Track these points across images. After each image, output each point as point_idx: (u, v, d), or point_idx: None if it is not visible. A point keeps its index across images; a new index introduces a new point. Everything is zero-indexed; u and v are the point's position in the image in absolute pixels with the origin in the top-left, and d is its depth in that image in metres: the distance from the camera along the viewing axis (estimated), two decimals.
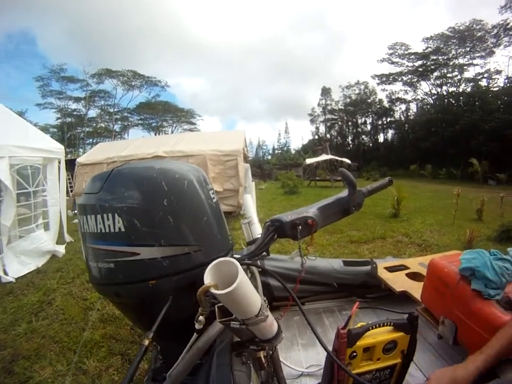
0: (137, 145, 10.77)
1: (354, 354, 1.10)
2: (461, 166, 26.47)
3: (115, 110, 54.17)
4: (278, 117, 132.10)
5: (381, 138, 56.35)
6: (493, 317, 1.25)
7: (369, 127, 57.24)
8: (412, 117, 50.25)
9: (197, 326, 0.73)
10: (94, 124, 53.37)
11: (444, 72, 43.55)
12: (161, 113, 56.31)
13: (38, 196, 5.77)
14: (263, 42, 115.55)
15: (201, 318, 0.71)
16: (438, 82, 44.90)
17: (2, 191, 4.51)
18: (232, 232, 6.21)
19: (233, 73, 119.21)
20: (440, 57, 42.94)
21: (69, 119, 50.64)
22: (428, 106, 47.11)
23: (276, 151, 69.83)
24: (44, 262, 5.40)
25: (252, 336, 0.73)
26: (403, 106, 52.07)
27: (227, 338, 0.84)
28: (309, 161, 28.37)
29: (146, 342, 0.76)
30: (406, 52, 45.77)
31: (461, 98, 39.14)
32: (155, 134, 52.48)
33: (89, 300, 3.90)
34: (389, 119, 53.88)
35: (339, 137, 60.64)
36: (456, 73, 42.80)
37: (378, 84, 51.77)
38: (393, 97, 51.60)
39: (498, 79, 39.03)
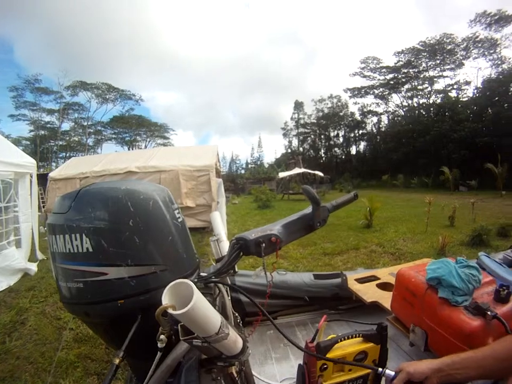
0: (110, 160, 10.60)
1: (325, 366, 1.11)
2: (432, 175, 27.14)
3: (89, 123, 53.36)
4: (251, 131, 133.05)
5: (353, 150, 57.50)
6: (461, 323, 1.28)
7: (341, 139, 58.20)
8: (383, 129, 51.33)
9: (159, 345, 0.73)
10: (67, 137, 52.36)
11: (414, 84, 44.96)
12: (135, 127, 55.73)
13: (10, 212, 5.60)
14: (237, 57, 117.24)
15: (162, 337, 0.72)
16: (409, 94, 46.32)
17: None
18: (204, 247, 6.19)
19: (208, 87, 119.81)
20: (411, 70, 44.31)
21: (42, 132, 49.48)
22: (399, 118, 48.28)
23: (250, 165, 70.04)
24: (15, 280, 5.23)
25: (217, 353, 0.74)
26: (375, 119, 53.45)
27: (194, 356, 0.85)
28: (282, 175, 28.48)
29: (117, 361, 0.77)
30: (378, 66, 47.08)
31: (431, 109, 40.33)
32: (128, 149, 52.27)
33: (63, 319, 3.81)
34: (361, 131, 55.01)
35: (312, 150, 61.44)
36: (426, 85, 44.37)
37: (350, 97, 53.06)
38: (365, 110, 52.90)
39: (467, 89, 40.92)
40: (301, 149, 61.29)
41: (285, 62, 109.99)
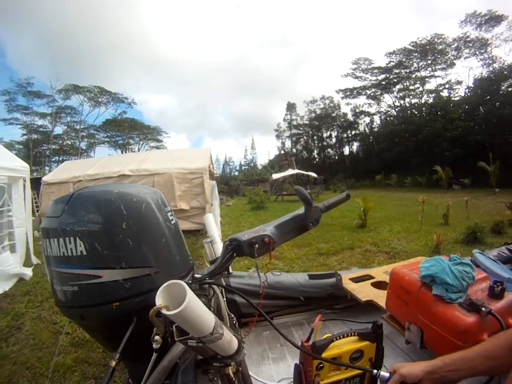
0: (103, 163, 10.55)
1: (321, 365, 1.12)
2: (425, 174, 27.25)
3: (81, 126, 53.05)
4: (244, 133, 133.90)
5: (346, 150, 57.59)
6: (455, 319, 1.29)
7: (334, 140, 58.29)
8: (376, 129, 51.61)
9: (155, 346, 0.74)
10: (60, 141, 51.94)
11: (406, 84, 45.16)
12: (127, 131, 55.53)
13: (3, 217, 5.54)
14: (228, 59, 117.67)
15: (157, 337, 0.72)
16: (401, 94, 46.55)
17: None
18: (199, 250, 6.18)
19: (200, 90, 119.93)
20: (402, 71, 44.59)
21: (35, 136, 49.10)
22: (392, 118, 48.55)
23: (243, 167, 70.27)
24: (10, 285, 5.19)
25: (213, 353, 0.75)
26: (367, 119, 53.67)
27: (191, 357, 0.85)
28: (275, 176, 28.40)
29: (113, 363, 0.78)
30: (370, 67, 47.36)
31: (424, 109, 40.61)
32: (122, 152, 52.03)
33: (59, 324, 3.78)
34: (353, 132, 55.12)
35: (305, 152, 61.47)
36: (418, 85, 44.54)
37: (342, 98, 53.24)
38: (357, 110, 52.98)
39: (459, 89, 41.31)
40: (294, 150, 61.39)
41: (276, 63, 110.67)
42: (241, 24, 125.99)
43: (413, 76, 44.40)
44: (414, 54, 42.90)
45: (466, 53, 39.89)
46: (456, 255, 1.54)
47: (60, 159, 47.90)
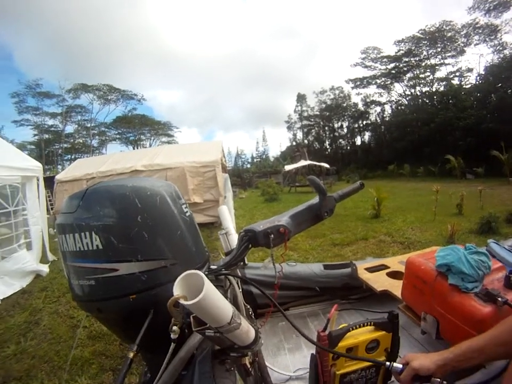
0: (115, 160, 10.62)
1: (338, 355, 1.12)
2: (438, 163, 26.91)
3: (92, 125, 53.25)
4: (255, 126, 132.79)
5: (358, 141, 56.81)
6: (472, 309, 1.28)
7: (345, 130, 57.51)
8: (387, 118, 50.71)
9: (172, 336, 0.74)
10: (72, 140, 52.36)
11: (416, 73, 44.42)
12: (138, 127, 55.63)
13: (19, 215, 5.65)
14: (238, 52, 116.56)
15: (175, 328, 0.73)
16: (411, 83, 45.73)
17: None
18: (214, 242, 6.20)
19: (210, 83, 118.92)
20: (412, 59, 43.79)
21: (46, 136, 49.55)
22: (403, 107, 47.78)
23: (255, 159, 69.55)
24: (28, 282, 5.30)
25: (230, 343, 0.75)
26: (378, 109, 52.68)
27: (208, 347, 0.86)
28: (288, 167, 28.40)
29: (131, 355, 0.78)
30: (379, 56, 46.49)
31: (435, 97, 39.90)
32: (133, 148, 52.00)
33: (76, 318, 3.85)
34: (364, 122, 54.32)
35: (316, 143, 60.95)
36: (428, 73, 43.80)
37: (352, 88, 52.36)
38: (368, 100, 52.19)
39: (470, 76, 40.26)
40: (305, 141, 60.71)
41: (285, 55, 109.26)
42: (247, 16, 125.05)
43: (423, 64, 43.61)
44: (423, 42, 42.11)
45: (476, 40, 39.01)
46: (471, 244, 1.52)
47: (72, 157, 48.38)
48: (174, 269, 0.86)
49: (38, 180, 5.95)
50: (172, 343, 0.77)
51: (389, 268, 2.24)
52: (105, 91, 51.95)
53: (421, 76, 44.36)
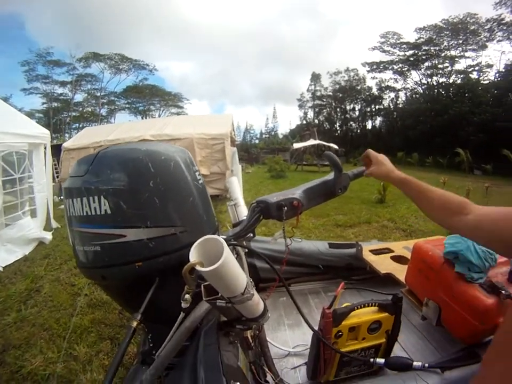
0: (123, 129, 10.62)
1: (340, 333, 1.13)
2: (447, 155, 26.63)
3: (102, 94, 52.92)
4: (266, 102, 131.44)
5: (369, 125, 56.18)
6: (475, 299, 1.27)
7: (357, 113, 56.82)
8: (400, 105, 49.97)
9: (183, 305, 0.72)
10: (80, 108, 52.20)
11: (435, 62, 43.50)
12: (148, 97, 55.16)
13: (24, 183, 5.67)
14: (254, 26, 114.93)
15: (187, 296, 0.71)
16: (429, 72, 44.86)
17: None
18: (218, 215, 6.21)
19: (224, 57, 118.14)
20: (432, 48, 42.83)
21: (55, 104, 49.30)
22: (417, 96, 46.96)
23: (264, 136, 69.15)
24: (31, 249, 5.32)
25: (238, 315, 0.74)
26: (392, 95, 51.81)
27: (214, 318, 0.85)
28: (296, 145, 28.15)
29: (134, 324, 0.78)
30: (398, 41, 45.50)
31: (451, 89, 39.11)
32: (142, 118, 51.59)
33: (77, 286, 3.87)
34: (377, 107, 53.59)
35: (327, 123, 60.19)
36: (447, 64, 42.82)
37: (368, 71, 51.51)
38: (382, 85, 51.30)
39: (489, 72, 39.18)
40: (316, 121, 60.01)
41: (303, 33, 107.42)
42: None
43: (442, 54, 42.62)
44: (445, 32, 41.01)
45: (499, 36, 37.85)
46: None
47: (80, 126, 48.18)
48: (183, 236, 0.85)
49: (45, 148, 5.94)
50: (182, 312, 0.77)
51: (393, 251, 2.23)
52: (117, 60, 51.38)
53: (439, 66, 43.41)
